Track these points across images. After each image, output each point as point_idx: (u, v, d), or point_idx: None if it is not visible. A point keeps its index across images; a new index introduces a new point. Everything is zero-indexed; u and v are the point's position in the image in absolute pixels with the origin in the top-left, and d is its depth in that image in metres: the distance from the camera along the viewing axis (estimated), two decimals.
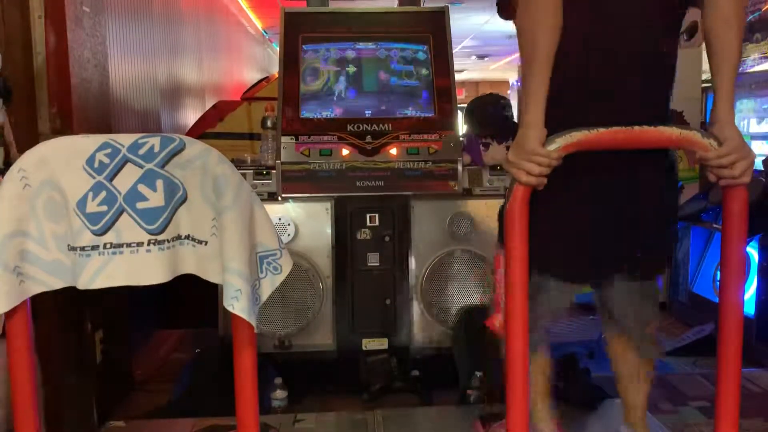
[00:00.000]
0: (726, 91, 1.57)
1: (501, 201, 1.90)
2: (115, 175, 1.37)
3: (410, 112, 3.06)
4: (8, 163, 1.88)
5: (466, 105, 4.00)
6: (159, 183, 1.37)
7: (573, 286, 1.91)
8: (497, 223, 1.97)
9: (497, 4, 1.91)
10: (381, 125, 2.98)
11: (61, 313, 2.43)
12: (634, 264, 1.84)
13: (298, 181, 2.91)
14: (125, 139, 1.39)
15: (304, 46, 3.11)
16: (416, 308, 3.05)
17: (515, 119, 3.19)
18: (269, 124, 3.12)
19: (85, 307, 2.62)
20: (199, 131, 4.28)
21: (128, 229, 1.37)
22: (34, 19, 2.42)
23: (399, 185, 2.94)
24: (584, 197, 1.74)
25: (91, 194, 1.36)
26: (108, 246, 1.37)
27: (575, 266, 1.83)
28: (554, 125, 1.55)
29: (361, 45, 3.16)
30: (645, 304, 1.94)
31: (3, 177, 1.39)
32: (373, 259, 3.01)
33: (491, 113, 3.48)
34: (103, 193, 1.36)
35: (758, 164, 3.63)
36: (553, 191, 1.58)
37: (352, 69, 3.11)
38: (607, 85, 1.69)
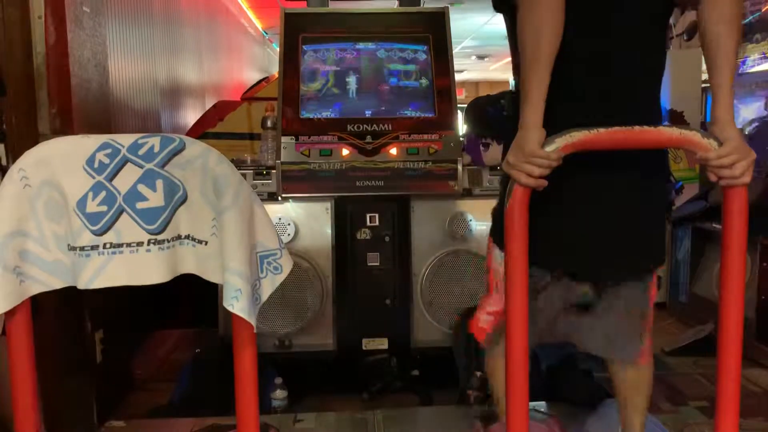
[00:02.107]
0: (726, 90, 1.57)
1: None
2: (115, 175, 1.37)
3: (410, 112, 3.06)
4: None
5: (466, 105, 4.00)
6: (159, 183, 1.37)
7: (570, 285, 1.88)
8: (492, 221, 1.99)
9: None
10: (381, 125, 2.98)
11: (61, 313, 2.43)
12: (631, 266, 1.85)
13: (298, 181, 2.91)
14: (125, 140, 1.39)
15: (304, 46, 3.11)
16: (416, 308, 3.05)
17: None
18: (269, 124, 3.12)
19: (85, 307, 2.62)
20: (199, 131, 4.27)
21: (128, 229, 1.37)
22: (34, 19, 2.42)
23: (399, 185, 2.94)
24: (585, 197, 1.73)
25: (91, 194, 1.36)
26: (108, 246, 1.37)
27: (578, 261, 1.82)
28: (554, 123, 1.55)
29: (361, 45, 3.16)
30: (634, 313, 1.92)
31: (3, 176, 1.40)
32: (373, 259, 3.01)
33: (491, 113, 3.48)
34: (103, 193, 1.37)
35: None
36: (556, 191, 1.58)
37: (351, 69, 3.11)
38: (604, 84, 1.70)
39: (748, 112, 4.67)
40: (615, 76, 1.71)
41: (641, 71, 1.76)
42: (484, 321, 1.99)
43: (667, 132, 1.57)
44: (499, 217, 1.86)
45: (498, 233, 1.85)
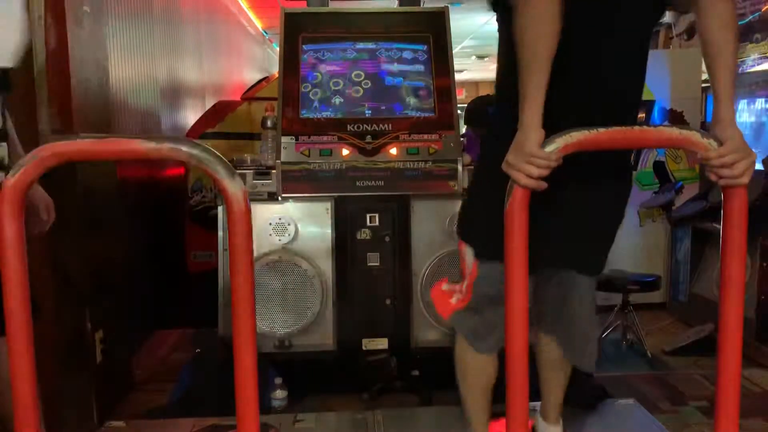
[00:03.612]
0: (728, 92, 1.59)
1: None
2: None
3: (410, 112, 3.06)
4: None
5: (466, 105, 4.00)
6: None
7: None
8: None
9: None
10: (381, 125, 2.98)
11: (61, 313, 2.43)
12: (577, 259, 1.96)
13: (298, 181, 2.91)
14: None
15: (304, 46, 3.11)
16: (416, 308, 3.05)
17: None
18: (269, 124, 3.12)
19: (85, 307, 2.62)
20: (199, 131, 4.29)
21: None
22: (34, 19, 2.42)
23: (399, 185, 2.94)
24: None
25: None
26: None
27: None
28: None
29: (361, 45, 3.16)
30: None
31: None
32: (373, 259, 3.01)
33: (491, 113, 3.48)
34: None
35: (758, 165, 3.63)
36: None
37: (352, 69, 3.11)
38: (595, 84, 1.73)
39: (748, 112, 4.67)
40: (612, 77, 1.74)
41: (636, 71, 1.81)
42: (455, 299, 2.06)
43: (667, 132, 1.57)
44: (464, 211, 2.08)
45: (464, 228, 2.02)
